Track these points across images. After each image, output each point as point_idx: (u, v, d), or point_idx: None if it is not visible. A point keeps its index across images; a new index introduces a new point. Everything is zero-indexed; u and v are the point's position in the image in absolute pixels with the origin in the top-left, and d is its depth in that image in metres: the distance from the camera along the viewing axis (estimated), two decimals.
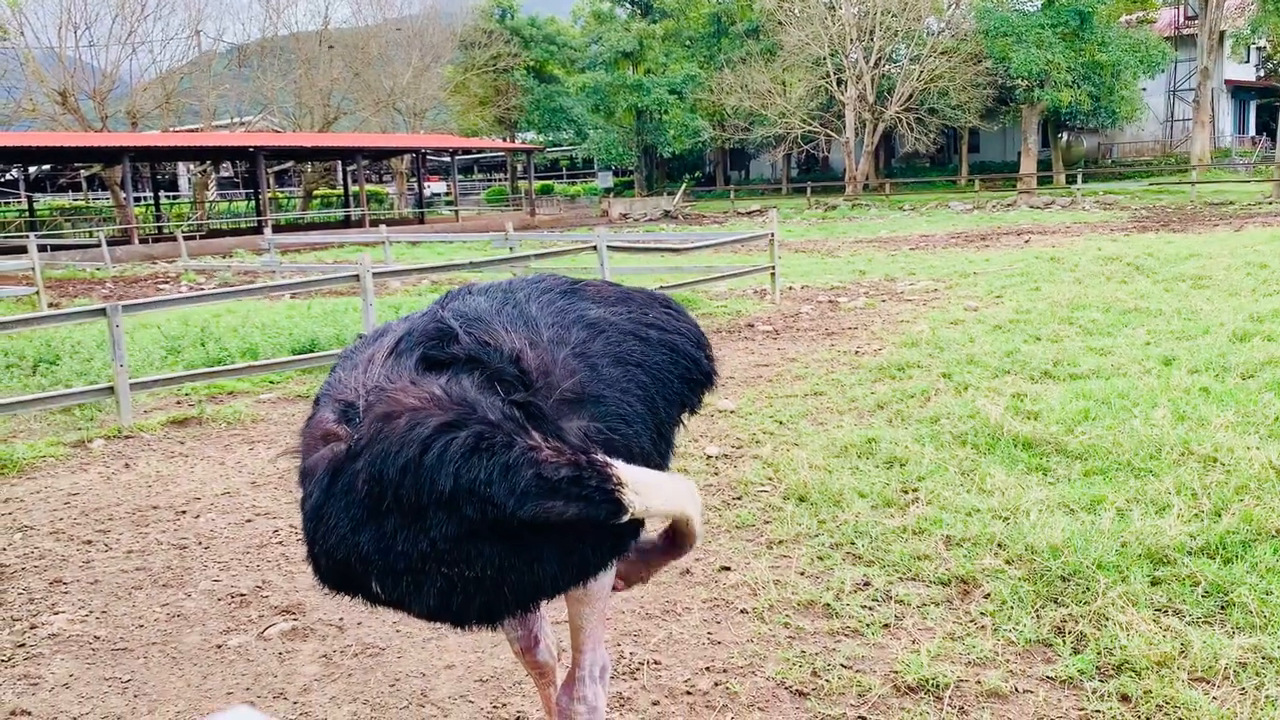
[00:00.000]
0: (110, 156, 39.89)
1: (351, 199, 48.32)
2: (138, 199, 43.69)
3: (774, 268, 14.20)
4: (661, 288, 11.64)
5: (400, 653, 4.13)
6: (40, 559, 5.39)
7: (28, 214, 44.52)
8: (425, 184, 52.66)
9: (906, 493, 5.52)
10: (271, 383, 9.96)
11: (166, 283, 23.00)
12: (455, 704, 3.72)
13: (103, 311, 8.37)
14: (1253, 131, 52.82)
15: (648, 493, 2.10)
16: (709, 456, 6.51)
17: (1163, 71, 46.27)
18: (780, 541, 5.00)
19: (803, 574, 4.60)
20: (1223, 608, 3.94)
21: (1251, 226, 22.25)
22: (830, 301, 13.63)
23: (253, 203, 47.32)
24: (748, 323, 12.19)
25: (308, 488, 2.12)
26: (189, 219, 46.36)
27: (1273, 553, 4.29)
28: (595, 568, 2.24)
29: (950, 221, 31.03)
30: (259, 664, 4.10)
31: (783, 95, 48.86)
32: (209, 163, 50.91)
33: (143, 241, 35.88)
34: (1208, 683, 3.45)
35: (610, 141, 55.31)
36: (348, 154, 47.26)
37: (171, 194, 57.08)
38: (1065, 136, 49.88)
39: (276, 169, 55.24)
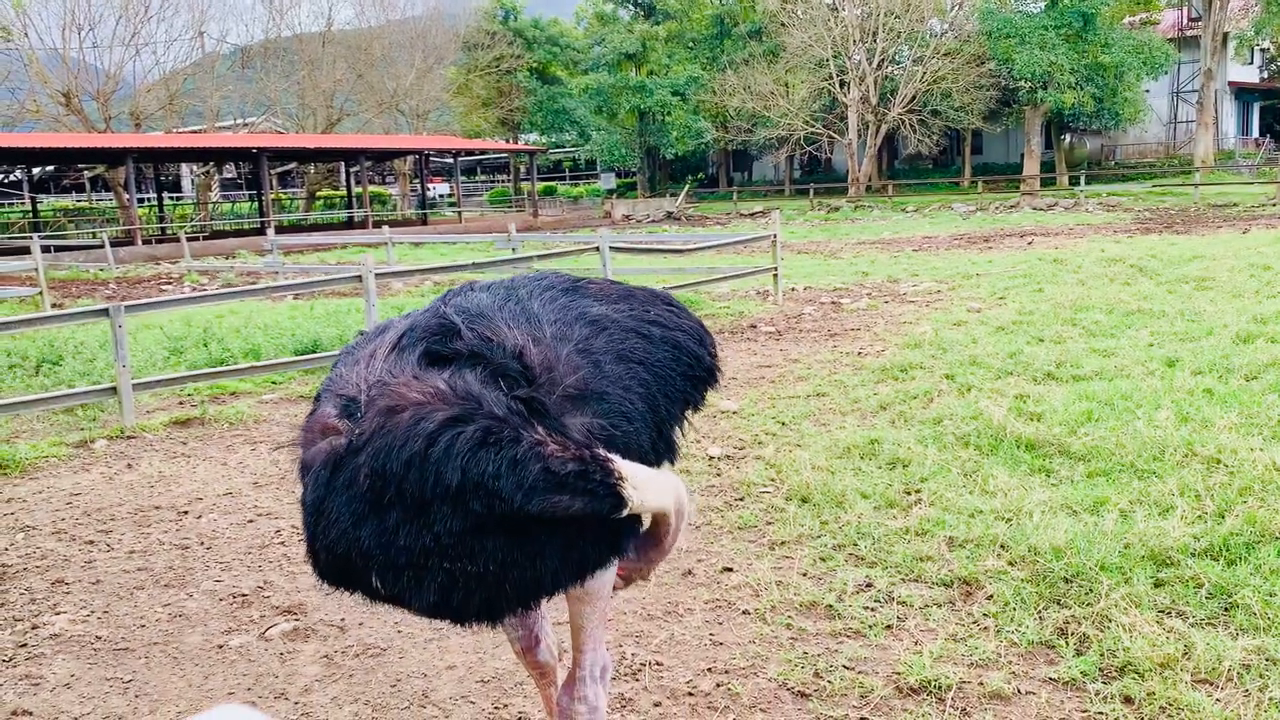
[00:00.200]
0: (114, 158, 39.94)
1: (354, 200, 48.36)
2: (141, 200, 43.67)
3: (777, 269, 14.19)
4: (664, 289, 11.63)
5: (402, 653, 4.12)
6: (42, 559, 5.39)
7: (31, 215, 44.57)
8: (428, 185, 52.68)
9: (909, 494, 5.51)
10: (274, 383, 9.96)
11: (170, 283, 23.02)
12: (457, 705, 3.72)
13: (105, 312, 8.37)
14: (1256, 133, 52.74)
15: (644, 488, 2.11)
16: (711, 457, 6.50)
17: (1166, 73, 46.19)
18: (782, 542, 4.99)
19: (805, 575, 4.59)
20: (1226, 609, 3.93)
21: (1256, 228, 22.21)
22: (833, 303, 13.62)
23: (256, 204, 47.35)
24: (750, 324, 12.18)
25: (308, 482, 2.12)
26: (192, 220, 46.45)
27: (1276, 554, 4.28)
28: (595, 564, 2.24)
29: (953, 223, 31.01)
30: (260, 664, 4.10)
31: (785, 97, 48.83)
32: (212, 164, 50.97)
33: (146, 242, 35.93)
34: (1211, 684, 3.44)
35: (613, 143, 55.32)
36: (351, 155, 47.30)
37: (175, 195, 57.16)
38: (1068, 138, 49.85)
39: (279, 170, 55.26)
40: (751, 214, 41.62)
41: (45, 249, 25.36)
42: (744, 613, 4.28)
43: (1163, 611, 3.94)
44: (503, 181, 65.82)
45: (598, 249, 12.28)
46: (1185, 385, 7.18)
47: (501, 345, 2.20)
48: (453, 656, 4.07)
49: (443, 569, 2.01)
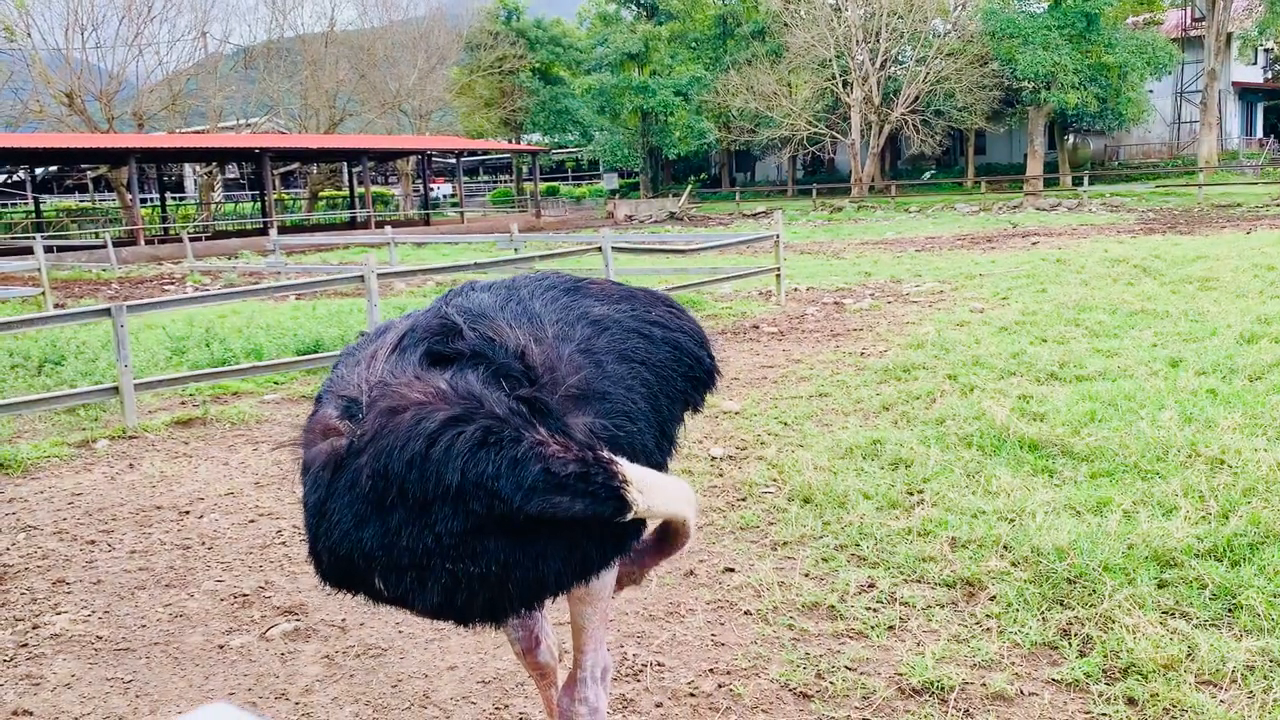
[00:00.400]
0: (116, 158, 39.99)
1: (357, 200, 48.36)
2: (144, 200, 43.68)
3: (779, 269, 14.17)
4: (667, 289, 11.62)
5: (403, 654, 4.12)
6: (43, 559, 5.39)
7: (34, 215, 44.61)
8: (431, 186, 52.69)
9: (912, 494, 5.49)
10: (276, 383, 9.96)
11: (172, 284, 23.03)
12: (458, 705, 3.71)
13: (107, 312, 8.37)
14: (1260, 133, 52.66)
15: (650, 492, 2.09)
16: (713, 458, 6.49)
17: (1170, 73, 46.11)
18: (784, 543, 4.98)
19: (807, 576, 4.58)
20: (1230, 610, 3.92)
21: (1260, 229, 22.18)
22: (836, 303, 13.60)
23: (258, 204, 47.39)
24: (753, 324, 12.16)
25: (309, 484, 2.11)
26: (195, 220, 46.48)
27: None
28: (598, 565, 2.23)
29: (956, 223, 30.98)
30: (261, 664, 4.09)
31: (788, 97, 48.82)
32: (215, 164, 51.01)
33: (149, 242, 35.94)
34: (1215, 686, 3.42)
35: (616, 143, 55.32)
36: (353, 155, 47.31)
37: (177, 195, 57.15)
38: (1071, 138, 49.77)
39: (282, 170, 55.24)
40: (754, 214, 41.61)
41: (48, 249, 25.40)
42: (746, 613, 4.27)
43: (1166, 613, 3.93)
44: (505, 182, 65.83)
45: (600, 249, 12.27)
46: (1189, 386, 7.17)
47: (503, 345, 2.19)
48: (454, 657, 4.06)
49: (445, 570, 2.00)
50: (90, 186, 58.29)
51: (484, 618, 2.16)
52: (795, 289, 15.22)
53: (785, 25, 49.50)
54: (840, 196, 46.86)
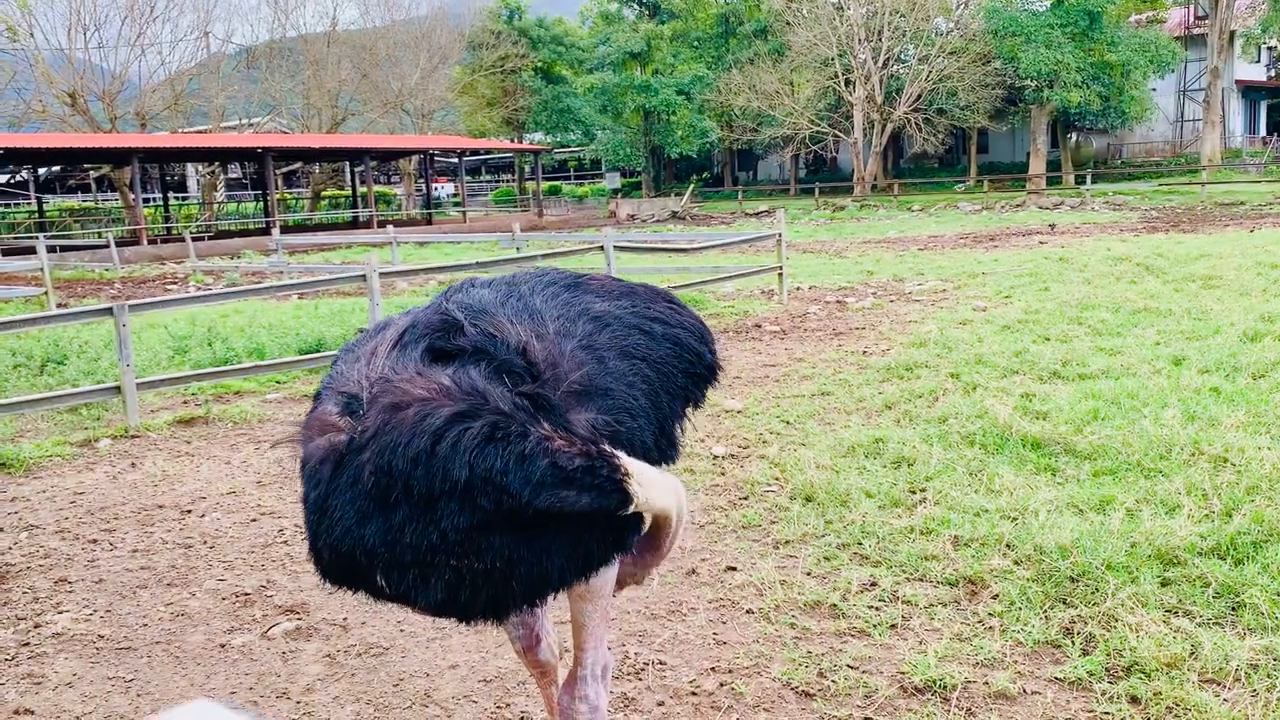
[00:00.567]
0: (119, 158, 40.03)
1: (359, 200, 48.38)
2: (146, 200, 43.76)
3: (782, 268, 14.16)
4: (669, 288, 11.60)
5: (404, 652, 4.11)
6: (45, 558, 5.39)
7: (37, 215, 44.66)
8: (433, 185, 52.70)
9: (914, 493, 5.48)
10: (278, 382, 9.96)
11: (175, 283, 23.05)
12: (459, 704, 3.70)
13: (109, 311, 8.37)
14: (1263, 131, 52.59)
15: (649, 486, 2.09)
16: (716, 456, 6.48)
17: (1172, 71, 46.05)
18: (787, 541, 4.98)
19: (809, 574, 4.57)
20: (1233, 609, 3.90)
21: (1263, 227, 22.14)
22: (838, 302, 13.59)
23: (261, 204, 47.43)
24: (755, 323, 12.15)
25: (310, 481, 2.10)
26: (197, 220, 46.52)
27: None
28: (600, 561, 2.22)
29: (959, 222, 30.95)
30: (262, 663, 4.09)
31: (791, 96, 48.80)
32: (217, 164, 51.05)
33: (151, 242, 35.97)
34: (1218, 684, 3.41)
35: (618, 142, 55.31)
36: (355, 155, 47.34)
37: (180, 195, 57.19)
38: (1074, 137, 49.70)
39: (284, 170, 55.27)
40: (756, 213, 41.59)
41: (51, 249, 25.41)
42: (748, 612, 4.26)
43: (1169, 611, 3.92)
44: (507, 181, 65.84)
45: (602, 248, 12.26)
46: (1192, 384, 7.15)
47: (505, 341, 2.18)
48: (455, 655, 4.05)
49: (449, 566, 2.00)
50: (93, 186, 58.34)
51: (486, 615, 2.15)
52: (798, 288, 15.21)
53: (787, 24, 49.48)
54: (843, 195, 46.82)
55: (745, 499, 5.66)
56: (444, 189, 60.61)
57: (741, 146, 55.37)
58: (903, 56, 47.84)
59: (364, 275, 10.14)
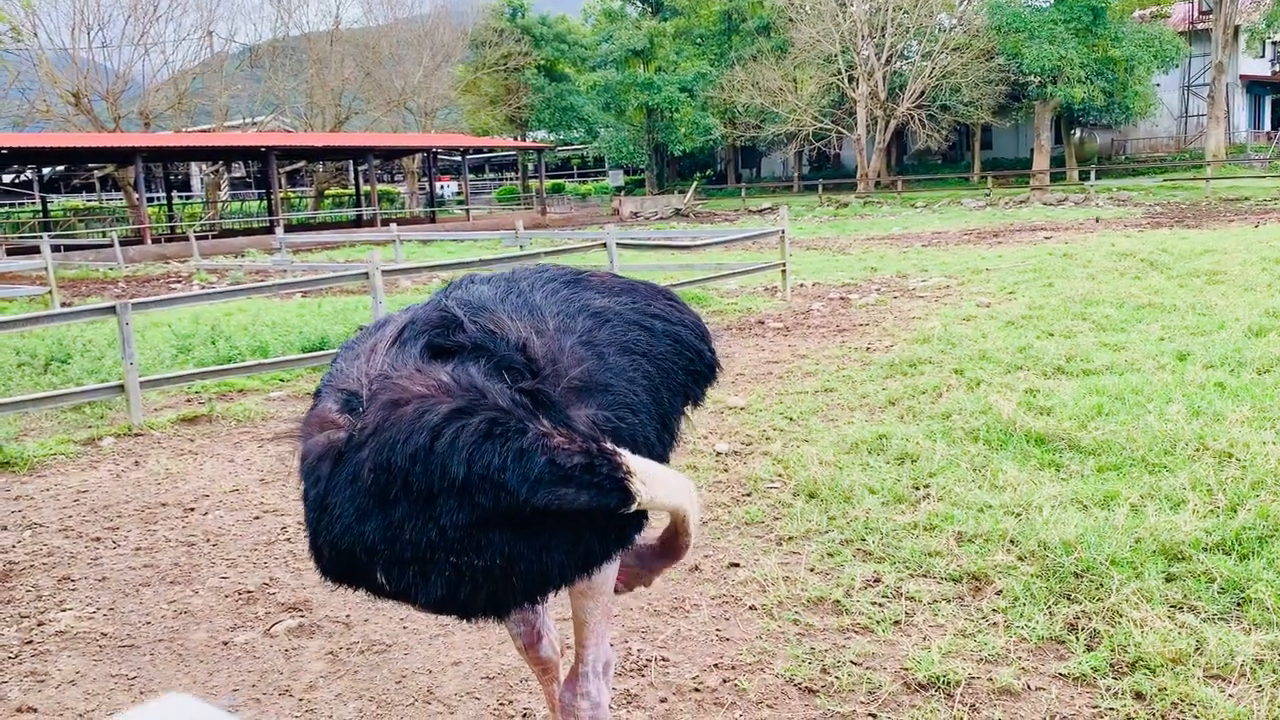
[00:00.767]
0: (123, 157, 40.05)
1: (363, 198, 48.39)
2: (150, 199, 43.88)
3: (785, 265, 14.14)
4: (672, 285, 11.62)
5: (407, 649, 4.11)
6: (49, 556, 5.39)
7: (41, 214, 44.73)
8: (436, 183, 52.71)
9: (917, 489, 5.47)
10: (282, 380, 9.97)
11: (179, 282, 23.07)
12: (461, 701, 3.70)
13: (113, 310, 8.38)
14: (1268, 127, 52.46)
15: (653, 484, 2.08)
16: (719, 453, 6.47)
17: (1177, 67, 45.91)
18: (790, 538, 4.97)
19: (812, 570, 4.57)
20: (1238, 604, 3.89)
21: (1268, 222, 22.07)
22: (841, 298, 13.57)
23: (265, 202, 47.46)
24: (758, 320, 12.14)
25: (310, 478, 2.10)
26: (201, 219, 46.52)
27: None
28: (601, 558, 2.21)
29: (963, 218, 30.89)
30: (265, 661, 4.09)
31: (794, 92, 48.71)
32: (221, 163, 51.09)
33: (155, 241, 36.00)
34: (1223, 680, 3.40)
35: (621, 140, 55.28)
36: (359, 153, 47.35)
37: (184, 194, 57.28)
38: (1078, 133, 49.57)
39: (288, 169, 55.32)
40: (760, 210, 41.55)
41: (55, 248, 25.47)
42: (751, 608, 4.25)
43: (1174, 606, 3.90)
44: (511, 179, 65.82)
45: (605, 246, 12.25)
46: (1196, 379, 7.13)
47: (504, 338, 2.18)
48: (458, 652, 4.05)
49: (449, 563, 1.99)
50: (97, 186, 58.40)
51: (487, 611, 2.15)
52: (801, 284, 15.19)
53: (790, 20, 49.39)
54: (846, 192, 46.75)
55: (748, 495, 5.65)
56: (447, 187, 60.58)
57: (745, 144, 55.30)
58: (906, 53, 47.75)
59: (367, 273, 10.14)
